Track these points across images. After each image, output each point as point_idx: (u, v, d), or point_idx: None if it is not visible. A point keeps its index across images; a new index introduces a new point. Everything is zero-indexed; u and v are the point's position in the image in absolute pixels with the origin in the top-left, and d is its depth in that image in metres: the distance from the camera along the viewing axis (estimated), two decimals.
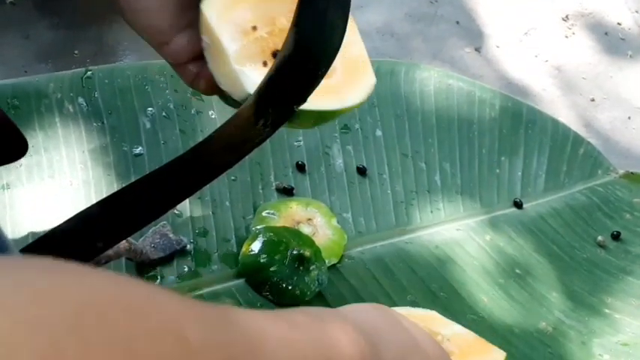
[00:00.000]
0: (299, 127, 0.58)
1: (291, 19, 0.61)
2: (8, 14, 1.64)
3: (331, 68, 0.62)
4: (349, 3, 0.39)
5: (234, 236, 0.74)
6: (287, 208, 0.75)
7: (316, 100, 0.60)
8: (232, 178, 0.77)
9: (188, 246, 0.72)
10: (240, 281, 0.70)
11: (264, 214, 0.75)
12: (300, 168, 0.80)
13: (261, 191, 0.78)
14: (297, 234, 0.72)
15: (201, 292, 0.69)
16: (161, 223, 0.71)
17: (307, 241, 0.71)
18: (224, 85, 0.58)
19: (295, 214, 0.75)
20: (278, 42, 0.62)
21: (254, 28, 0.61)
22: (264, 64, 0.60)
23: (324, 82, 0.60)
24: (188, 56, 0.45)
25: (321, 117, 0.58)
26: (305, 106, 0.59)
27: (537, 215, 0.84)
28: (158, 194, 0.44)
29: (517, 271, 0.77)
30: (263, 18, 0.62)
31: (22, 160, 0.73)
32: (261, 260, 0.69)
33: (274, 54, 0.61)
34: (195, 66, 0.45)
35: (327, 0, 0.38)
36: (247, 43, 0.60)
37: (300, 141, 0.83)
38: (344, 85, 0.62)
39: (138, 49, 1.58)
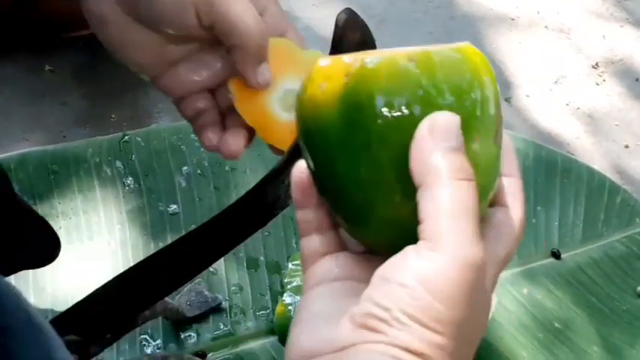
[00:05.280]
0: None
1: None
2: (46, 81, 1.70)
3: None
4: None
5: (268, 291, 0.74)
6: None
7: None
8: (266, 233, 0.78)
9: (223, 303, 0.72)
10: (276, 338, 0.70)
11: (295, 266, 0.75)
12: None
13: (295, 245, 0.78)
14: None
15: (237, 349, 0.69)
16: (196, 281, 0.72)
17: None
18: None
19: None
20: None
21: None
22: None
23: None
24: (182, 91, 0.45)
25: None
26: None
27: (575, 266, 0.82)
28: (195, 254, 0.45)
29: (556, 324, 0.76)
30: None
31: (62, 223, 0.75)
32: None
33: None
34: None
35: None
36: None
37: None
38: None
39: (172, 111, 1.62)
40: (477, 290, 0.29)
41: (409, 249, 0.29)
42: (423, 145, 0.28)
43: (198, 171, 0.81)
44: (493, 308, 0.68)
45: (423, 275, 0.28)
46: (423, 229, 0.28)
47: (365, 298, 0.29)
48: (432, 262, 0.28)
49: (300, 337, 0.31)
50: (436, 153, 0.28)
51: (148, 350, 0.68)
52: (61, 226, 0.75)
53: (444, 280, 0.27)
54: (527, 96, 1.86)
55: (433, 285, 0.27)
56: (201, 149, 0.83)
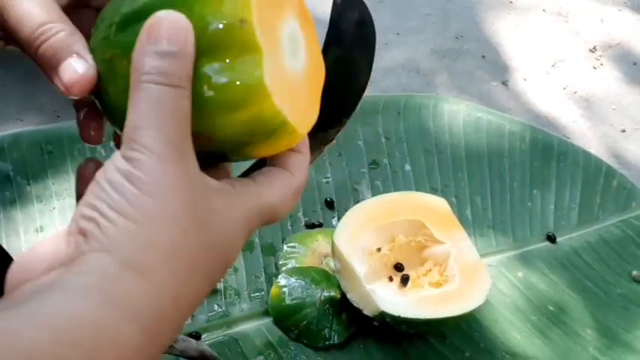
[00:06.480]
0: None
1: (409, 236, 0.67)
2: None
3: (450, 274, 0.66)
4: (374, 45, 0.39)
5: (263, 273, 0.74)
6: (313, 241, 0.75)
7: (441, 308, 0.65)
8: None
9: (218, 284, 0.72)
10: (270, 320, 0.70)
11: (290, 248, 0.75)
12: (329, 205, 0.80)
13: (290, 228, 0.78)
14: (325, 275, 0.71)
15: (231, 330, 0.69)
16: None
17: (335, 282, 0.70)
18: (357, 303, 0.64)
19: (322, 247, 0.75)
20: (398, 256, 0.67)
21: (378, 249, 0.67)
22: (390, 278, 0.67)
23: (446, 290, 0.65)
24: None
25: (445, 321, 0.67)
26: (432, 315, 0.63)
27: (571, 249, 0.82)
28: None
29: (550, 308, 0.76)
30: (384, 238, 0.68)
31: (56, 204, 0.75)
32: (291, 304, 0.69)
33: (396, 266, 0.67)
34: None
35: (352, 43, 0.38)
36: (373, 262, 0.66)
37: (328, 177, 0.83)
38: (464, 289, 0.66)
39: None
40: (192, 194, 0.29)
41: (118, 152, 0.29)
42: (139, 46, 0.29)
43: None
44: (487, 291, 0.68)
45: (125, 171, 0.28)
46: (124, 131, 0.29)
47: (80, 202, 0.29)
48: (130, 160, 0.28)
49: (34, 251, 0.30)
50: (146, 55, 0.29)
51: None
52: (54, 207, 0.75)
53: (146, 172, 0.28)
54: (525, 79, 1.85)
55: (136, 179, 0.28)
56: None
